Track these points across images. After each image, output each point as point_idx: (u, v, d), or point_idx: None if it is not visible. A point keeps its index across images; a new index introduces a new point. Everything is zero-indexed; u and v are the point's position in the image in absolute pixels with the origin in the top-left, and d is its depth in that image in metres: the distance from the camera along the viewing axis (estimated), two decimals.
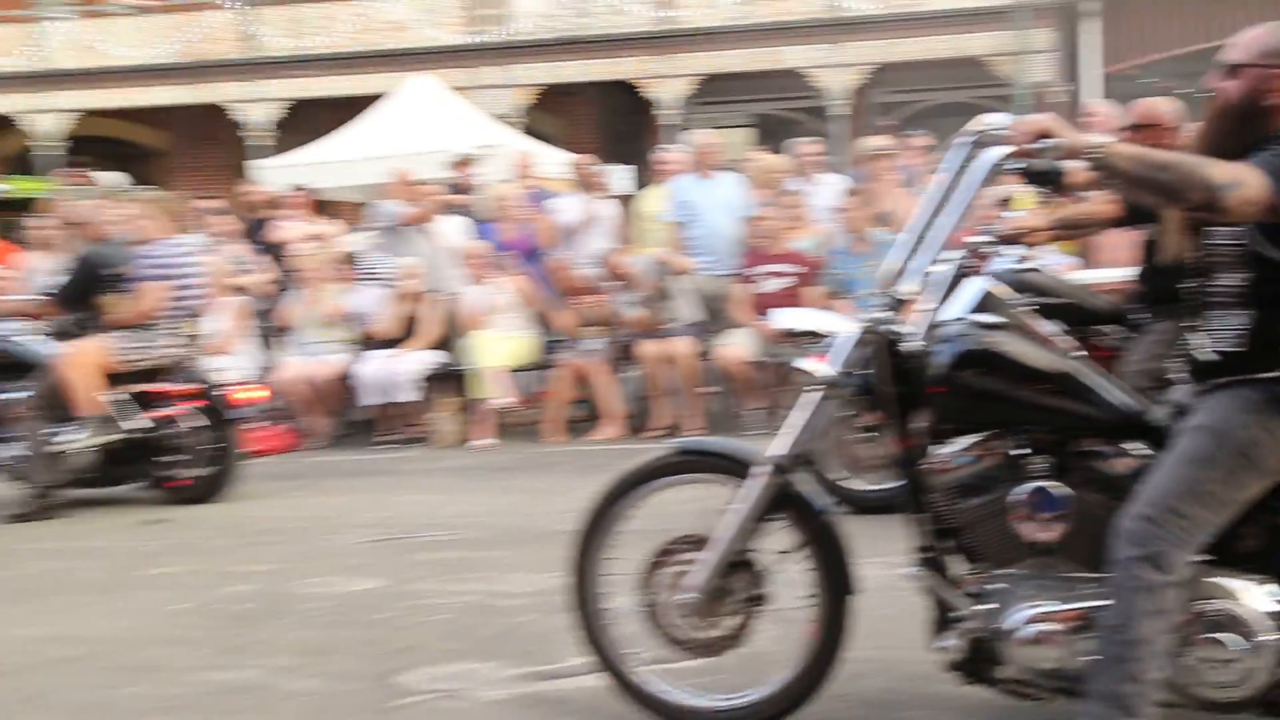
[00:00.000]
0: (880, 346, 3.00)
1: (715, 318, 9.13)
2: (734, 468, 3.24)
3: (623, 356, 9.28)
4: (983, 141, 2.89)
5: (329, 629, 4.60)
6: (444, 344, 9.52)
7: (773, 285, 8.78)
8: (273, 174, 14.07)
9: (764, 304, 8.54)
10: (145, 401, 7.30)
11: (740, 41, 18.58)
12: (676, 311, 9.11)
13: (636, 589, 3.30)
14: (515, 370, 9.35)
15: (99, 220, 7.55)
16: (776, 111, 19.99)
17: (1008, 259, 5.08)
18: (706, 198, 9.42)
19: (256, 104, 19.73)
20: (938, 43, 17.89)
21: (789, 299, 8.46)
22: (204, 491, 7.31)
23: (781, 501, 3.17)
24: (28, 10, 20.53)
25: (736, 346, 8.78)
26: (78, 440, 7.10)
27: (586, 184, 10.15)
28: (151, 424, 7.28)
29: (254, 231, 10.92)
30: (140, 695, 3.95)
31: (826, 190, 9.33)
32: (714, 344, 8.95)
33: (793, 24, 18.51)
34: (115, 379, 7.23)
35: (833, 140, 15.55)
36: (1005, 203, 5.66)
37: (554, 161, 12.99)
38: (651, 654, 3.38)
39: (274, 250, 10.57)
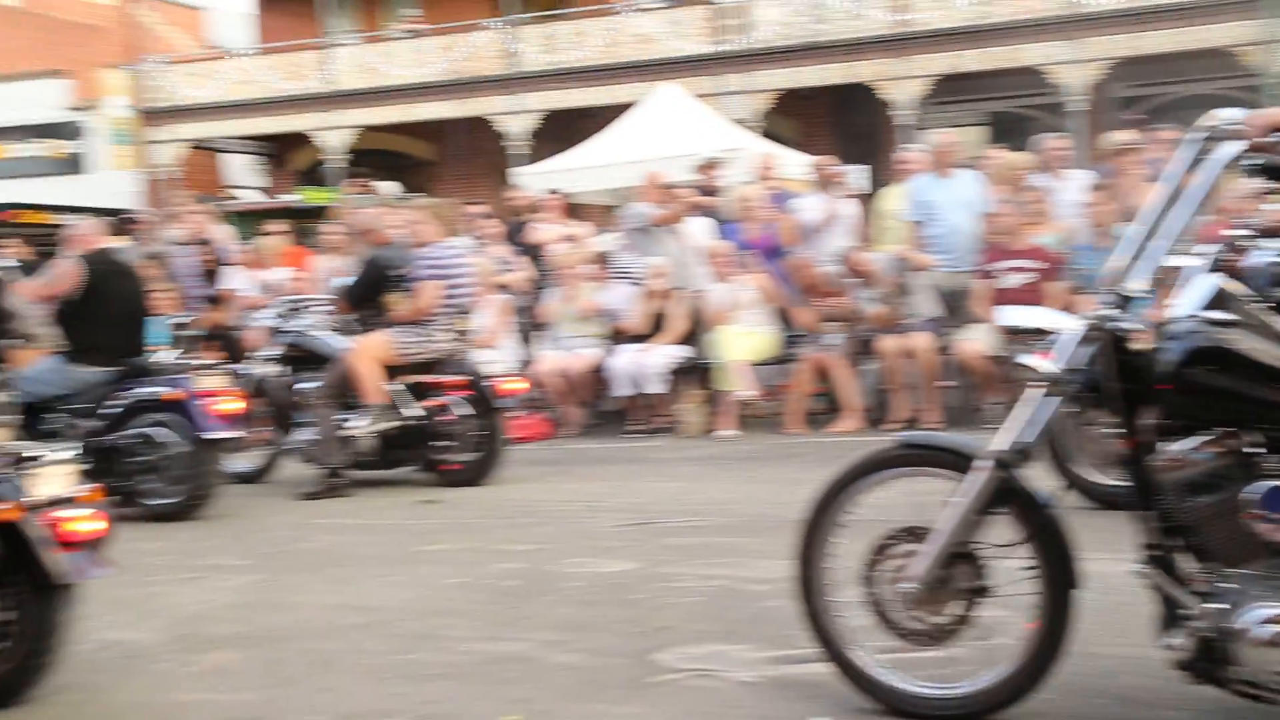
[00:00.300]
0: (1106, 343, 2.91)
1: (955, 313, 8.92)
2: (956, 461, 3.19)
3: (862, 351, 9.16)
4: (1216, 136, 2.74)
5: (588, 607, 4.71)
6: (690, 339, 9.61)
7: (1014, 281, 8.50)
8: (530, 180, 14.48)
9: (1005, 299, 8.29)
10: (420, 391, 7.63)
11: (977, 41, 18.08)
12: (916, 307, 8.94)
13: (859, 578, 3.28)
14: (757, 364, 9.37)
15: (382, 226, 7.93)
16: (1012, 109, 19.37)
17: (1268, 253, 4.77)
18: (945, 195, 9.21)
19: (516, 116, 20.34)
20: (1181, 34, 16.98)
21: (1031, 294, 8.19)
22: (472, 475, 7.59)
23: (1004, 495, 3.10)
24: (320, 39, 21.77)
25: (976, 341, 8.55)
26: (363, 426, 7.48)
27: (827, 183, 10.06)
28: (425, 412, 7.60)
29: (514, 234, 11.25)
30: (422, 661, 4.14)
31: (1072, 186, 8.96)
32: (954, 339, 8.73)
33: (1031, 22, 17.90)
34: (394, 370, 7.58)
35: (1071, 136, 14.97)
36: (1264, 195, 5.31)
37: (793, 163, 12.93)
38: (874, 641, 3.35)
39: (532, 251, 10.87)
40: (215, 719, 3.69)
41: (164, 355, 7.46)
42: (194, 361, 7.56)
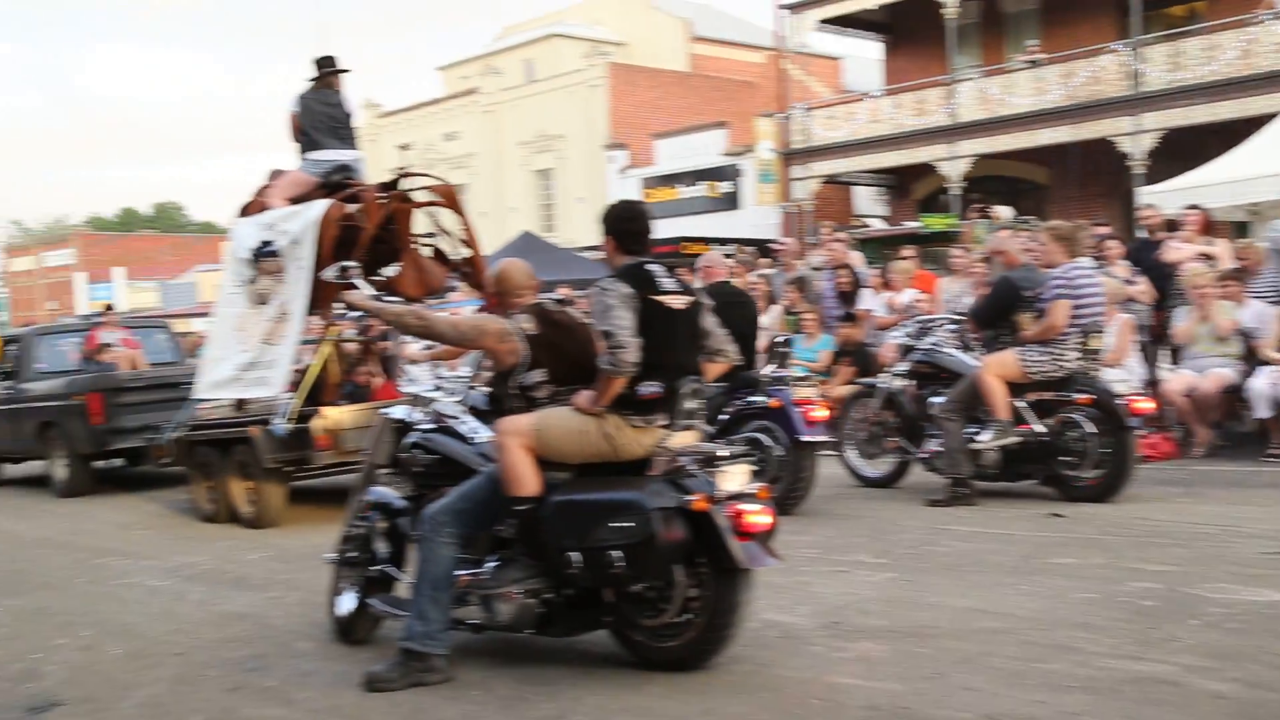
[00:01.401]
0: None
1: None
2: None
3: None
4: None
5: (1238, 635, 4.24)
6: None
7: None
8: (1160, 198, 13.38)
9: None
10: (1046, 408, 7.31)
11: None
12: None
13: None
14: None
15: (1014, 248, 7.71)
16: None
17: None
18: None
19: (1134, 136, 18.99)
20: None
21: None
22: (1100, 491, 7.14)
23: None
24: (944, 76, 21.80)
25: None
26: (989, 439, 7.29)
27: None
28: (1050, 428, 7.26)
29: (1136, 253, 10.45)
30: (1058, 672, 3.93)
31: None
32: None
33: None
34: (1019, 387, 7.32)
35: None
36: None
37: None
38: None
39: (1156, 269, 10.02)
40: (865, 703, 3.74)
41: (766, 369, 7.79)
42: (791, 374, 7.83)
